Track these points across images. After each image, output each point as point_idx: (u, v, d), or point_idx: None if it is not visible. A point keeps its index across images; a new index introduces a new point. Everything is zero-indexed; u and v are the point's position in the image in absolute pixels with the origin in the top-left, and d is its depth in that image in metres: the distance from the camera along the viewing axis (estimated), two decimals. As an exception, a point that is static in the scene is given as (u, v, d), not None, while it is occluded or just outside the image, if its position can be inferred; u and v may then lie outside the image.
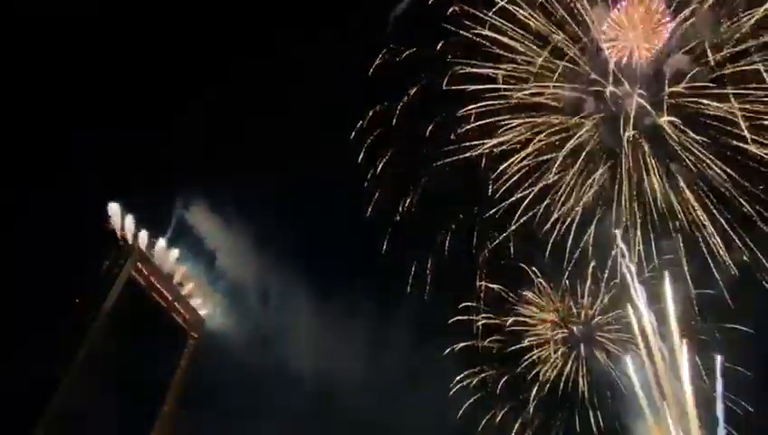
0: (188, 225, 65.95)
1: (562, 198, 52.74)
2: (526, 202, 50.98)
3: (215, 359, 66.99)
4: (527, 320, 53.79)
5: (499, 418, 53.43)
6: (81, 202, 56.39)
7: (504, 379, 52.99)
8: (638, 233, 52.54)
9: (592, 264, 54.38)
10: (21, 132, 51.85)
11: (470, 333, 54.11)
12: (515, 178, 50.68)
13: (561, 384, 53.12)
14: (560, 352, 52.79)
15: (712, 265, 51.58)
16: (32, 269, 50.40)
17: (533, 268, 54.21)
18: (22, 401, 48.56)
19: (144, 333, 62.04)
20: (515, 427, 53.02)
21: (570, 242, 55.37)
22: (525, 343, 52.50)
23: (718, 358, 52.12)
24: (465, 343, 54.00)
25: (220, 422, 60.92)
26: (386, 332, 59.40)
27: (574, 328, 54.82)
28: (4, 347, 45.90)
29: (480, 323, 53.51)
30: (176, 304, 67.12)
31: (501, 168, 50.02)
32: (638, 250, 53.25)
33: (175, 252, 65.77)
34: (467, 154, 50.42)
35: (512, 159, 49.87)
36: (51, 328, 53.42)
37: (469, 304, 54.68)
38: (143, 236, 62.95)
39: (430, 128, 50.52)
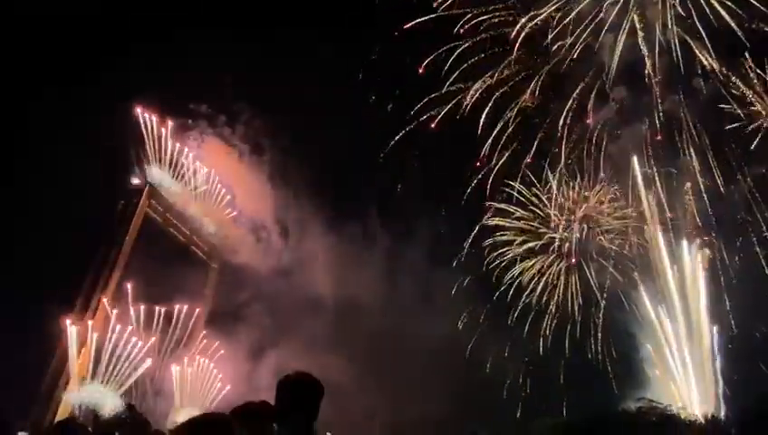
0: (202, 160, 65.43)
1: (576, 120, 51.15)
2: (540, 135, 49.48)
3: (236, 286, 69.23)
4: (535, 249, 53.92)
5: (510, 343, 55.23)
6: (92, 141, 55.71)
7: (515, 307, 54.15)
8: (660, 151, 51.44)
9: (614, 187, 53.73)
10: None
11: (482, 266, 54.89)
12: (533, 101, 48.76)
13: (569, 305, 54.32)
14: (574, 278, 53.45)
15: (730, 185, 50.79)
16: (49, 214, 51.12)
17: (549, 196, 53.58)
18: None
19: (166, 266, 63.72)
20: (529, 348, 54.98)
21: (592, 158, 54.43)
22: (534, 270, 53.01)
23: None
24: (475, 275, 54.98)
25: (248, 345, 64.24)
26: (400, 265, 60.78)
27: (588, 249, 55.10)
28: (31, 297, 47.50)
29: (491, 255, 54.00)
30: (194, 237, 68.18)
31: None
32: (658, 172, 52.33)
33: (189, 187, 65.67)
34: (478, 87, 48.11)
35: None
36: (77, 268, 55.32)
37: (483, 237, 54.96)
38: (156, 173, 62.58)
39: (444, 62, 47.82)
